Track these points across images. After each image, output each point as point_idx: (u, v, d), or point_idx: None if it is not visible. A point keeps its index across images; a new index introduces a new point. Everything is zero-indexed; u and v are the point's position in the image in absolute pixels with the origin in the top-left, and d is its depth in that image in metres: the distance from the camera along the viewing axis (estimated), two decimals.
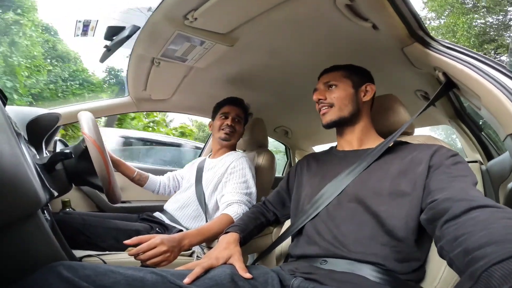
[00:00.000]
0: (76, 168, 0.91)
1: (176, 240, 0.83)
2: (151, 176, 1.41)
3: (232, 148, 1.39)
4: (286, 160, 2.59)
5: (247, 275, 0.63)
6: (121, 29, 1.02)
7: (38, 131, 0.91)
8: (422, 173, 0.67)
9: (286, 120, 2.04)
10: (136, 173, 1.34)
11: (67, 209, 1.26)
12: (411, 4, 0.73)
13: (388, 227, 0.66)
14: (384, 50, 0.97)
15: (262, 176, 1.40)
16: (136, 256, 0.75)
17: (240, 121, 1.33)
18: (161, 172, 1.52)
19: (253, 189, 1.17)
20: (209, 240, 0.97)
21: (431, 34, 0.83)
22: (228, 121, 1.29)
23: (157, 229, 1.13)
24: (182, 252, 1.01)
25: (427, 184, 0.65)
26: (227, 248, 0.74)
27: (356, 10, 0.79)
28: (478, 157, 1.39)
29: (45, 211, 0.69)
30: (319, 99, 0.87)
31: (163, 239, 0.79)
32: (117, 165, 1.29)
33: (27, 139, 0.82)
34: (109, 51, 1.10)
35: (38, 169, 0.66)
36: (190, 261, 0.98)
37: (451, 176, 0.62)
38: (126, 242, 0.74)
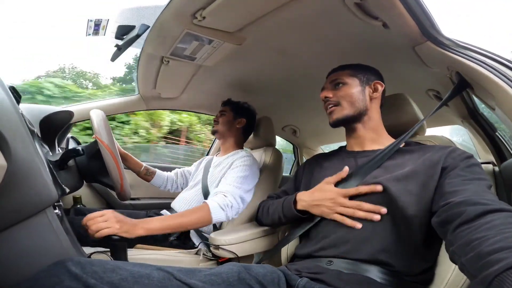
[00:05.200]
0: (88, 167, 0.93)
1: (130, 221, 0.81)
2: (158, 171, 1.42)
3: (240, 145, 1.39)
4: (294, 159, 2.59)
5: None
6: (131, 28, 1.03)
7: (51, 128, 0.93)
8: (434, 175, 0.65)
9: (294, 119, 2.03)
10: (143, 167, 1.36)
11: (78, 206, 1.29)
12: (423, 3, 0.72)
13: (397, 225, 0.66)
14: (394, 49, 0.95)
15: (269, 174, 1.39)
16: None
17: (224, 113, 1.37)
18: (170, 170, 1.54)
19: (251, 187, 1.14)
20: (172, 227, 0.90)
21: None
22: (215, 119, 1.39)
23: None
24: (188, 250, 1.02)
25: (440, 186, 0.64)
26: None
27: (366, 8, 0.78)
28: (491, 158, 1.35)
29: (56, 207, 0.71)
30: (326, 97, 0.86)
31: (116, 213, 0.79)
32: (125, 159, 1.31)
33: (40, 136, 0.84)
34: (120, 50, 1.12)
35: (51, 165, 0.67)
36: (196, 258, 0.99)
37: (466, 179, 0.61)
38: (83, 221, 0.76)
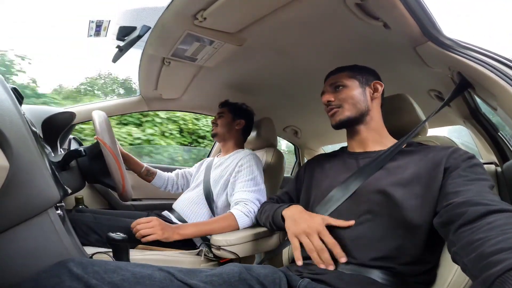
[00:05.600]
0: (90, 167, 0.94)
1: (171, 227, 0.94)
2: (159, 172, 1.43)
3: (240, 146, 1.39)
4: (295, 160, 2.58)
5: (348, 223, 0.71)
6: (132, 29, 1.03)
7: (53, 129, 0.93)
8: (437, 176, 0.65)
9: (296, 120, 2.03)
10: (144, 168, 1.37)
11: (80, 206, 1.29)
12: (424, 3, 0.72)
13: (400, 230, 0.65)
14: (396, 49, 0.95)
15: (271, 175, 1.40)
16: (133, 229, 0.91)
17: (222, 115, 1.37)
18: (171, 171, 1.54)
19: (262, 186, 1.17)
20: (204, 233, 1.00)
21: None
22: (213, 121, 1.40)
23: None
24: (190, 251, 1.03)
25: (443, 186, 0.63)
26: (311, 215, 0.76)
27: (366, 9, 0.78)
28: (493, 158, 1.35)
29: (58, 208, 0.71)
30: (328, 101, 0.86)
31: (160, 220, 0.93)
32: (126, 160, 1.31)
33: (42, 137, 0.84)
34: (121, 51, 1.12)
35: (53, 166, 0.68)
36: (198, 259, 0.99)
37: (468, 179, 0.61)
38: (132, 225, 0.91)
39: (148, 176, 1.39)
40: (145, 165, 1.38)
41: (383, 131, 0.86)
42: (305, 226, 0.72)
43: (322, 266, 0.67)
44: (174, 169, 1.56)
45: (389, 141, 0.83)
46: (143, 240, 0.89)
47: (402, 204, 0.65)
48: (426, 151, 0.73)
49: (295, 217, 0.77)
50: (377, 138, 0.84)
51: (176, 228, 0.94)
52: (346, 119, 0.83)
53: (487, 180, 0.61)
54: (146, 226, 0.90)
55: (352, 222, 0.70)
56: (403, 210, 0.65)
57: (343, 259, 0.66)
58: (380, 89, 0.85)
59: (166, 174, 1.46)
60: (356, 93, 0.83)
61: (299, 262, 0.68)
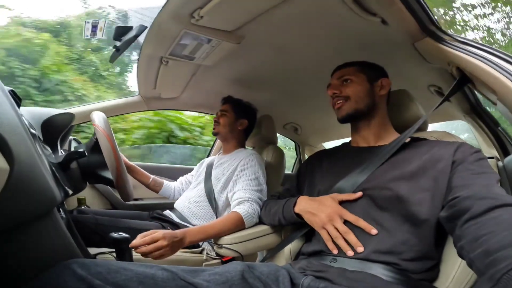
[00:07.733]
0: (89, 162, 0.94)
1: (177, 236, 0.86)
2: (165, 182, 1.45)
3: (242, 145, 1.39)
4: (296, 157, 2.58)
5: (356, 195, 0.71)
6: (128, 29, 1.03)
7: (52, 131, 0.93)
8: (444, 169, 0.65)
9: (296, 117, 2.02)
10: (151, 179, 1.40)
11: (82, 207, 1.30)
12: None
13: (407, 225, 0.65)
14: (394, 45, 0.95)
15: (271, 173, 1.40)
16: (136, 248, 0.79)
17: (224, 114, 1.35)
18: (175, 170, 1.54)
19: (264, 186, 1.17)
20: (211, 237, 0.98)
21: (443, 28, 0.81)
22: (216, 119, 1.37)
23: (168, 228, 1.14)
24: (192, 250, 1.03)
25: (450, 180, 0.63)
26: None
27: (363, 5, 0.77)
28: (494, 153, 1.34)
29: (60, 209, 0.71)
30: (334, 93, 0.86)
31: (165, 233, 0.82)
32: (132, 172, 1.34)
33: (42, 139, 0.84)
34: (118, 51, 1.12)
35: (54, 168, 0.67)
36: (200, 258, 1.00)
37: (474, 173, 0.61)
38: (132, 244, 0.78)
39: (156, 186, 1.42)
40: (152, 176, 1.40)
41: (389, 126, 0.86)
42: (323, 217, 0.72)
43: (350, 253, 0.66)
44: (173, 169, 1.57)
45: (393, 136, 0.83)
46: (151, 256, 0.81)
47: (408, 199, 0.65)
48: (430, 145, 0.73)
49: (309, 209, 0.77)
50: (382, 133, 0.85)
51: (186, 237, 0.89)
52: (353, 112, 0.84)
53: (493, 173, 0.61)
54: (154, 247, 0.80)
55: (359, 194, 0.71)
56: (409, 204, 0.65)
57: (360, 248, 0.65)
58: (387, 86, 0.85)
59: (172, 184, 1.48)
60: (364, 88, 0.84)
61: (335, 251, 0.69)
